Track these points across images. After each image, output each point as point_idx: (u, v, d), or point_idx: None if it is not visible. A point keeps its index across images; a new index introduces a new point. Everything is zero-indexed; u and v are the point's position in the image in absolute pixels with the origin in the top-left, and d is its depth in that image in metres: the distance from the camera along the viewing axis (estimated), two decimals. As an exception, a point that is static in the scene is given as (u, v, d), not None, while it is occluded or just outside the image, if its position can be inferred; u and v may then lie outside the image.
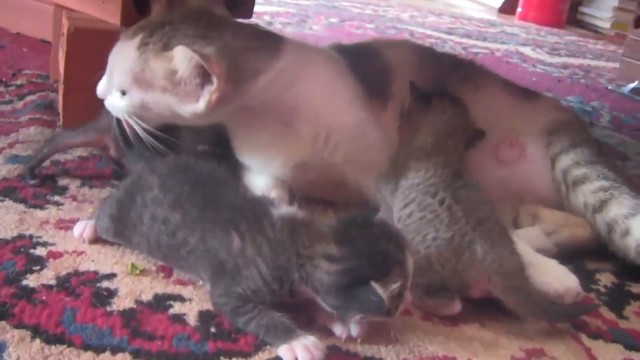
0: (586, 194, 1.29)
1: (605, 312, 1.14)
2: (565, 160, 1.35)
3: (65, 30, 1.49)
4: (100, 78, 1.23)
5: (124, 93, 1.18)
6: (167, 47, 1.14)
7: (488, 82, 1.47)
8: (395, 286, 0.89)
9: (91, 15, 1.58)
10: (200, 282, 1.01)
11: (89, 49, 1.48)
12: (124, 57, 1.18)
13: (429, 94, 1.30)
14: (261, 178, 1.31)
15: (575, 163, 1.34)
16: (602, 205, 1.26)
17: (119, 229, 1.06)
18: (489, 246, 1.05)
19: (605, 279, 1.24)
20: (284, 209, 1.01)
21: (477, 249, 1.05)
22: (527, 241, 1.16)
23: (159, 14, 1.23)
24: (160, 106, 1.16)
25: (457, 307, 1.06)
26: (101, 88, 1.22)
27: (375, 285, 0.87)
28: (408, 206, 1.14)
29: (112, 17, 1.55)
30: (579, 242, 1.28)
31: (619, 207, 1.24)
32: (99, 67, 1.46)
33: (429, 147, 1.21)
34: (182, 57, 1.11)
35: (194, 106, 1.14)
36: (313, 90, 1.26)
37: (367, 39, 1.61)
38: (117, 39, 1.49)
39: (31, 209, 1.17)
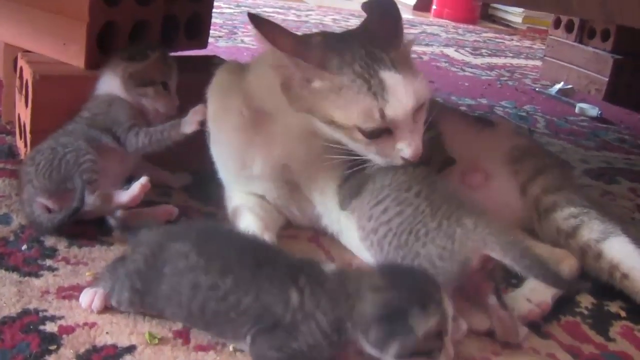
0: (558, 221, 1.37)
1: (593, 335, 1.21)
2: (533, 189, 1.42)
3: (29, 77, 1.44)
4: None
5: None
6: None
7: (446, 114, 1.50)
8: (432, 321, 0.90)
9: (51, 57, 1.53)
10: (229, 345, 1.02)
11: (56, 96, 1.45)
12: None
13: None
14: (248, 215, 1.33)
15: (543, 191, 1.41)
16: (573, 230, 1.35)
17: (145, 301, 1.05)
18: (476, 216, 1.09)
19: (585, 301, 1.31)
20: (331, 266, 1.05)
21: (466, 222, 1.08)
22: (539, 285, 1.21)
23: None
24: None
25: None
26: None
27: (413, 315, 0.89)
28: (381, 203, 1.17)
29: (74, 59, 1.51)
30: (575, 272, 1.33)
31: (590, 232, 1.33)
32: (66, 113, 1.44)
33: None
34: None
35: None
36: None
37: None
38: (82, 83, 1.46)
39: (27, 278, 1.13)
